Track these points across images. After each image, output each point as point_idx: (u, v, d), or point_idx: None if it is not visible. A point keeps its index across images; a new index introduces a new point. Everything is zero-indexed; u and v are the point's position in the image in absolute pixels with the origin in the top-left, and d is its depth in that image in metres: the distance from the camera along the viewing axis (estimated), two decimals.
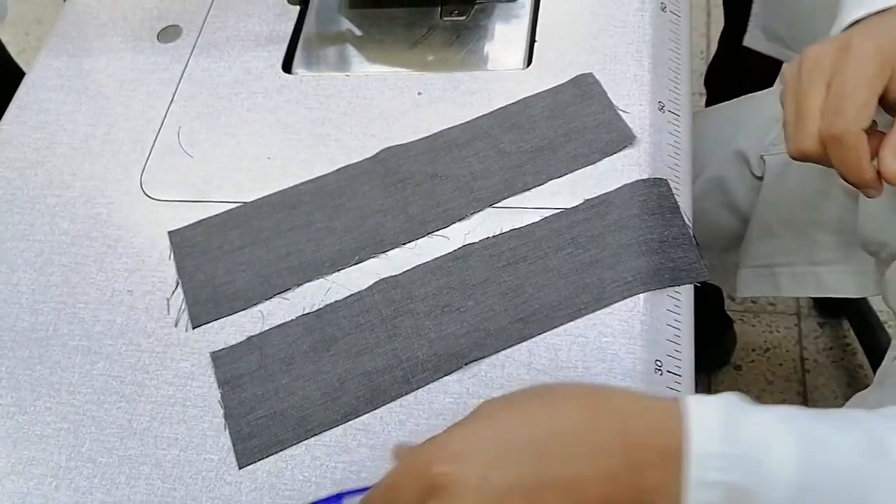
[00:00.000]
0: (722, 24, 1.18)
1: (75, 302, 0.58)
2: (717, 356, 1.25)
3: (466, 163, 0.60)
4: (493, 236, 0.56)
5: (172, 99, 0.68)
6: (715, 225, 0.81)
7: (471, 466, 0.35)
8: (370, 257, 0.57)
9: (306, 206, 0.60)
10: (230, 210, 0.60)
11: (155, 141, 0.66)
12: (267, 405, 0.52)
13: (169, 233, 0.60)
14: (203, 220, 0.60)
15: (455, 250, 0.56)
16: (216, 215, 0.60)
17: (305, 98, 0.66)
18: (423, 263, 0.56)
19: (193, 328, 0.56)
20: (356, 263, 0.57)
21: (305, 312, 0.55)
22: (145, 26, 0.73)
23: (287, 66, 0.69)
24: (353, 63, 0.69)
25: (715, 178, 0.78)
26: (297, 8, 0.72)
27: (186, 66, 0.70)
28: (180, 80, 0.69)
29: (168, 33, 0.73)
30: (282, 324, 0.55)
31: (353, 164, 0.61)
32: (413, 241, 0.57)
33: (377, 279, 0.56)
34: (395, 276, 0.56)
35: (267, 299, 0.56)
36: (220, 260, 0.58)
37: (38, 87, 0.71)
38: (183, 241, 0.59)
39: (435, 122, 0.62)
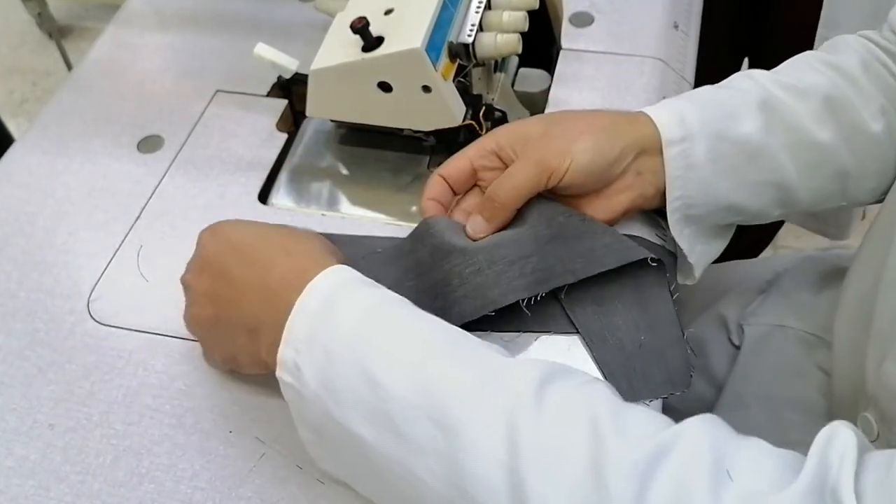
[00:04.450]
0: None
1: None
2: None
3: None
4: None
5: (140, 215, 0.65)
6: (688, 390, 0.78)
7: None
8: None
9: None
10: None
11: (112, 258, 0.62)
12: None
13: None
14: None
15: None
16: None
17: None
18: None
19: None
20: None
21: None
22: (127, 132, 0.71)
23: (264, 196, 0.67)
24: (333, 202, 0.66)
25: (695, 338, 0.75)
26: (285, 136, 0.70)
27: (161, 181, 0.67)
28: (152, 195, 0.66)
29: (149, 143, 0.71)
30: None
31: None
32: None
33: None
34: None
35: None
36: None
37: (4, 181, 0.68)
38: None
39: None
